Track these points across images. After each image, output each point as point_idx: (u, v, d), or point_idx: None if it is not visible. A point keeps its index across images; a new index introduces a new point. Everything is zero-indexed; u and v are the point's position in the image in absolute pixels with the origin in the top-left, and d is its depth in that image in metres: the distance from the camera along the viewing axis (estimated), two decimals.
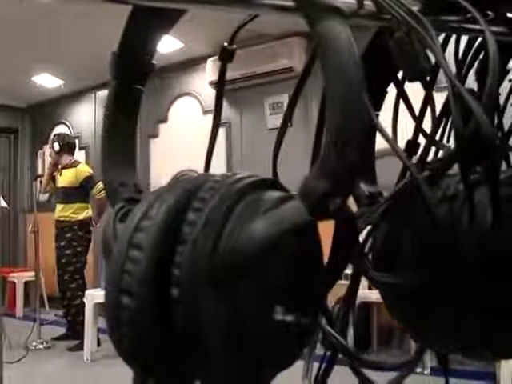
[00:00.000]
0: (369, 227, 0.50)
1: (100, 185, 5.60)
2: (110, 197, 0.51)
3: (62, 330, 5.80)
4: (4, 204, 5.49)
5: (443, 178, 0.50)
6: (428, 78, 0.51)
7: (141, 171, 7.01)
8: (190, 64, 6.50)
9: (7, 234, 7.97)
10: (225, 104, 6.34)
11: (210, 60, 5.97)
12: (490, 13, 0.54)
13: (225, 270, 0.37)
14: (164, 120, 6.91)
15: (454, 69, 0.59)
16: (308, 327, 0.40)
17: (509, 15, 0.54)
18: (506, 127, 0.58)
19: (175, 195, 0.40)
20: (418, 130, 0.53)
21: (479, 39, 0.57)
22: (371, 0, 0.48)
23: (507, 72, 0.59)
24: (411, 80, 0.47)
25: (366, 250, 0.53)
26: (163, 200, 0.40)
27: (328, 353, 0.52)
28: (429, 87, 0.50)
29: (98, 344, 5.29)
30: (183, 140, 6.55)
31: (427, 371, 4.08)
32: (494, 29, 0.51)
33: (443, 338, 0.53)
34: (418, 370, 4.10)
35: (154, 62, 0.54)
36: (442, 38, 0.57)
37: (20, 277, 7.30)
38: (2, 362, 2.54)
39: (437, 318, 0.50)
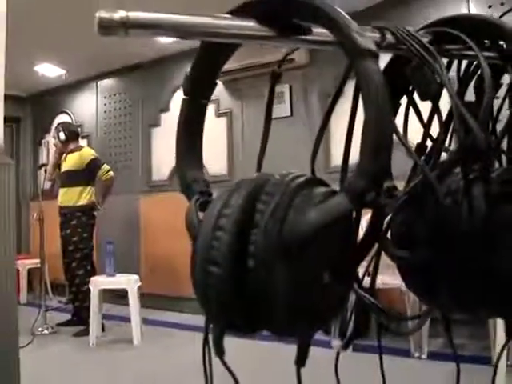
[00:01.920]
0: (390, 215, 0.64)
1: (106, 166, 5.69)
2: (184, 190, 0.65)
3: (65, 316, 5.89)
4: None
5: (448, 177, 0.64)
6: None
7: (143, 159, 7.11)
8: (192, 53, 6.56)
9: None
10: (226, 94, 6.43)
11: None
12: (486, 41, 0.67)
13: (288, 247, 0.51)
14: (166, 109, 6.98)
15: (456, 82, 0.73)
16: (345, 289, 0.54)
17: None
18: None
19: (247, 190, 0.54)
20: (426, 135, 0.66)
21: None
22: (391, 34, 0.61)
23: (499, 85, 0.72)
24: (423, 99, 0.60)
25: (388, 233, 0.67)
26: (239, 193, 0.53)
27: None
28: (436, 103, 0.63)
29: (103, 329, 5.42)
30: None
31: (424, 356, 4.20)
32: (488, 54, 0.65)
33: (446, 300, 0.66)
34: (416, 354, 4.22)
35: (216, 81, 0.66)
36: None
37: (23, 264, 7.41)
38: (18, 347, 2.63)
39: (440, 285, 0.65)
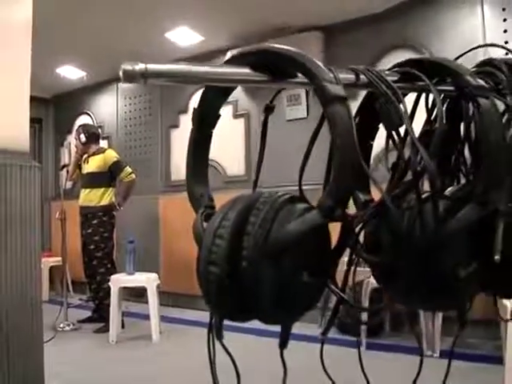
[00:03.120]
0: (361, 225, 0.78)
1: (128, 169, 5.82)
2: (193, 204, 0.79)
3: (86, 313, 6.06)
4: None
5: (409, 194, 0.77)
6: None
7: (162, 160, 7.23)
8: (210, 56, 6.65)
9: None
10: (244, 95, 6.52)
11: (229, 52, 6.12)
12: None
13: (273, 251, 0.65)
14: (185, 111, 7.10)
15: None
16: (321, 285, 0.67)
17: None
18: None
19: (241, 206, 0.67)
20: (400, 157, 0.79)
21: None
22: (365, 76, 0.73)
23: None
24: (388, 130, 0.73)
25: (361, 239, 0.81)
26: (234, 209, 0.67)
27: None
28: (398, 133, 0.75)
29: (123, 326, 5.55)
30: None
31: (436, 354, 4.26)
32: (445, 88, 0.78)
33: (403, 295, 0.80)
34: (428, 353, 4.27)
35: (220, 113, 0.80)
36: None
37: (46, 262, 7.55)
38: (42, 342, 2.75)
39: (399, 283, 0.78)
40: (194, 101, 6.98)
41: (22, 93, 2.83)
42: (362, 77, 0.77)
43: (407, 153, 0.77)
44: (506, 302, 3.16)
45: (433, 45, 5.05)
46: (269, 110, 0.86)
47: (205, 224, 0.75)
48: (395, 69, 0.84)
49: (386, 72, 0.81)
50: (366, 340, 4.50)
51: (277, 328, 0.72)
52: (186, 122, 7.04)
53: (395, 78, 0.80)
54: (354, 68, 0.78)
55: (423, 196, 0.75)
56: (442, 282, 0.75)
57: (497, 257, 0.73)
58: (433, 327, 4.35)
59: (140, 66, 0.62)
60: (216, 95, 0.80)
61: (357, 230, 0.77)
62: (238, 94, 6.47)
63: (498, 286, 0.85)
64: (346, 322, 4.54)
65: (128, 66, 0.61)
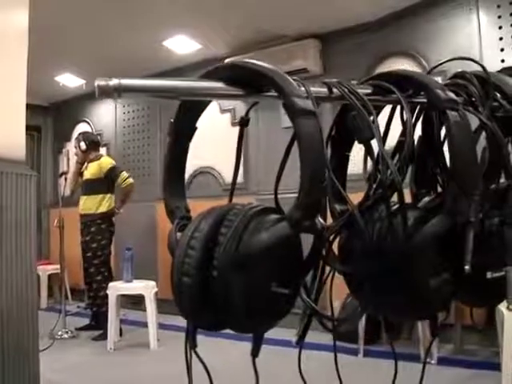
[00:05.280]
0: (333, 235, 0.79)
1: (124, 174, 5.83)
2: (168, 215, 0.80)
3: (84, 321, 6.03)
4: None
5: (380, 205, 0.79)
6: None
7: (160, 167, 7.23)
8: (208, 64, 6.58)
9: None
10: (241, 104, 6.52)
11: (226, 61, 6.11)
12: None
13: (242, 261, 0.66)
14: None
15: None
16: (291, 295, 0.69)
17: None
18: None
19: (213, 217, 0.68)
20: (376, 168, 0.80)
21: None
22: (337, 89, 0.75)
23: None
24: (359, 142, 0.75)
25: (335, 249, 0.82)
26: (207, 220, 0.68)
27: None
28: (368, 147, 0.77)
29: (121, 334, 5.54)
30: (200, 138, 6.70)
31: (434, 361, 4.26)
32: (419, 100, 0.80)
33: (374, 304, 0.81)
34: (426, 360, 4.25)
35: (196, 125, 0.81)
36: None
37: (44, 270, 7.55)
38: (38, 350, 2.75)
39: (370, 292, 0.79)
40: None
41: (18, 101, 2.85)
42: (334, 90, 0.78)
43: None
44: (502, 307, 3.16)
45: (429, 52, 5.06)
46: (244, 123, 0.88)
47: (179, 234, 0.76)
48: (369, 81, 0.86)
49: (360, 86, 0.82)
50: (364, 347, 4.51)
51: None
52: None
53: (368, 91, 0.82)
54: (326, 82, 0.79)
55: (394, 207, 0.76)
56: (413, 291, 0.77)
57: (467, 267, 0.74)
58: (430, 335, 4.34)
59: (114, 82, 0.63)
60: (192, 108, 0.82)
61: (330, 239, 0.78)
62: (236, 102, 6.47)
63: (471, 295, 0.86)
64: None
65: (102, 82, 0.63)
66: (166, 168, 0.85)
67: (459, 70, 0.95)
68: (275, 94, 0.72)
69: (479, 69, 0.94)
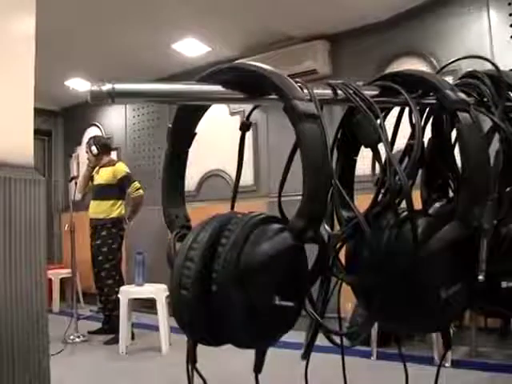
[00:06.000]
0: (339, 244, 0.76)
1: (136, 184, 5.78)
2: (168, 225, 0.77)
3: (97, 325, 5.99)
4: None
5: (388, 212, 0.75)
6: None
7: None
8: (216, 64, 6.56)
9: None
10: (251, 106, 6.48)
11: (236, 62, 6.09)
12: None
13: (243, 274, 0.62)
14: None
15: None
16: (296, 309, 0.65)
17: None
18: None
19: (213, 227, 0.65)
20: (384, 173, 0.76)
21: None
22: (342, 91, 0.71)
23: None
24: (366, 146, 0.71)
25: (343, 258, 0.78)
26: (206, 230, 0.65)
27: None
28: (375, 151, 0.73)
29: (133, 338, 5.52)
30: (211, 141, 6.70)
31: (448, 364, 4.21)
32: (423, 102, 0.76)
33: (382, 317, 0.77)
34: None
35: (195, 131, 0.78)
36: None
37: (56, 274, 7.55)
38: (49, 355, 2.74)
39: (378, 304, 0.75)
40: None
41: (26, 106, 2.83)
42: (339, 92, 0.75)
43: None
44: None
45: (440, 52, 5.01)
46: (245, 127, 0.84)
47: (178, 245, 0.72)
48: (376, 82, 0.82)
49: (366, 87, 0.79)
50: (377, 349, 4.46)
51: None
52: None
53: (375, 93, 0.78)
54: (331, 83, 0.75)
55: (403, 214, 0.72)
56: (423, 304, 0.73)
57: (481, 277, 0.70)
58: (443, 346, 4.28)
59: (107, 87, 0.61)
60: (191, 113, 0.78)
61: (336, 248, 0.75)
62: (246, 104, 6.43)
63: (485, 306, 0.82)
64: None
65: (95, 87, 0.60)
66: (163, 176, 0.81)
67: (470, 70, 0.91)
68: (275, 97, 0.69)
69: (491, 68, 0.90)
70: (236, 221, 0.68)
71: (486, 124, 0.83)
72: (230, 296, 0.64)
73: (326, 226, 0.75)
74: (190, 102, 0.72)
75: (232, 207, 0.85)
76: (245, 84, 0.71)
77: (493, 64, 0.90)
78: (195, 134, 0.81)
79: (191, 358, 0.69)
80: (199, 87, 0.70)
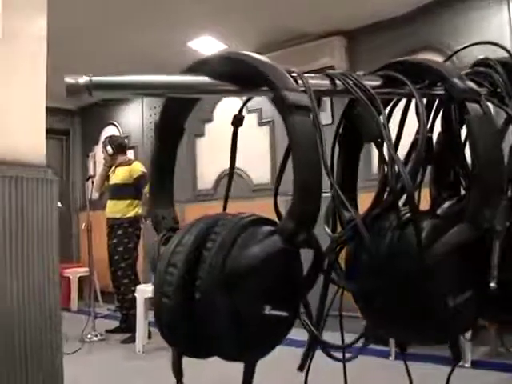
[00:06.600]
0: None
1: None
2: (155, 226, 0.72)
3: (115, 323, 6.00)
4: (58, 203, 5.69)
5: (391, 213, 0.69)
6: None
7: (188, 169, 7.20)
8: None
9: (61, 232, 8.18)
10: (268, 103, 6.43)
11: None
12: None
13: (228, 279, 0.57)
14: (209, 120, 7.05)
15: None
16: (289, 318, 0.60)
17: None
18: None
19: (198, 229, 0.60)
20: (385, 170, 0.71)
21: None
22: (341, 82, 0.66)
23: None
24: (366, 141, 0.65)
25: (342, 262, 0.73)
26: (191, 233, 0.60)
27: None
28: (378, 145, 0.68)
29: (149, 337, 5.47)
30: (228, 139, 6.64)
31: (468, 364, 4.13)
32: (437, 92, 0.70)
33: (385, 325, 0.72)
34: (459, 363, 4.11)
35: (184, 127, 0.73)
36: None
37: (74, 273, 7.58)
38: (62, 353, 2.72)
39: (380, 312, 0.70)
40: (219, 109, 6.96)
41: (38, 105, 2.81)
42: (338, 82, 0.69)
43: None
44: None
45: (458, 46, 4.90)
46: (238, 121, 0.78)
47: (163, 249, 0.67)
48: (379, 72, 0.76)
49: (368, 77, 0.73)
50: (395, 349, 4.39)
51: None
52: (212, 131, 7.02)
53: (377, 83, 0.72)
54: (329, 73, 0.70)
55: (406, 215, 0.66)
56: (429, 313, 0.66)
57: (492, 284, 0.64)
58: (463, 336, 4.23)
59: (84, 79, 0.56)
60: (178, 107, 0.73)
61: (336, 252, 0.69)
62: (262, 101, 6.38)
63: (498, 314, 0.76)
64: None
65: (71, 80, 0.56)
66: (151, 174, 0.76)
67: (481, 57, 0.84)
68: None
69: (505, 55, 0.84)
70: (223, 222, 0.62)
71: (500, 117, 0.77)
72: (215, 303, 0.58)
73: (327, 228, 0.69)
74: (177, 94, 0.66)
75: (224, 207, 0.80)
76: (239, 75, 0.65)
77: (506, 50, 0.84)
78: (184, 129, 0.75)
79: (176, 372, 0.63)
80: (185, 79, 0.65)
